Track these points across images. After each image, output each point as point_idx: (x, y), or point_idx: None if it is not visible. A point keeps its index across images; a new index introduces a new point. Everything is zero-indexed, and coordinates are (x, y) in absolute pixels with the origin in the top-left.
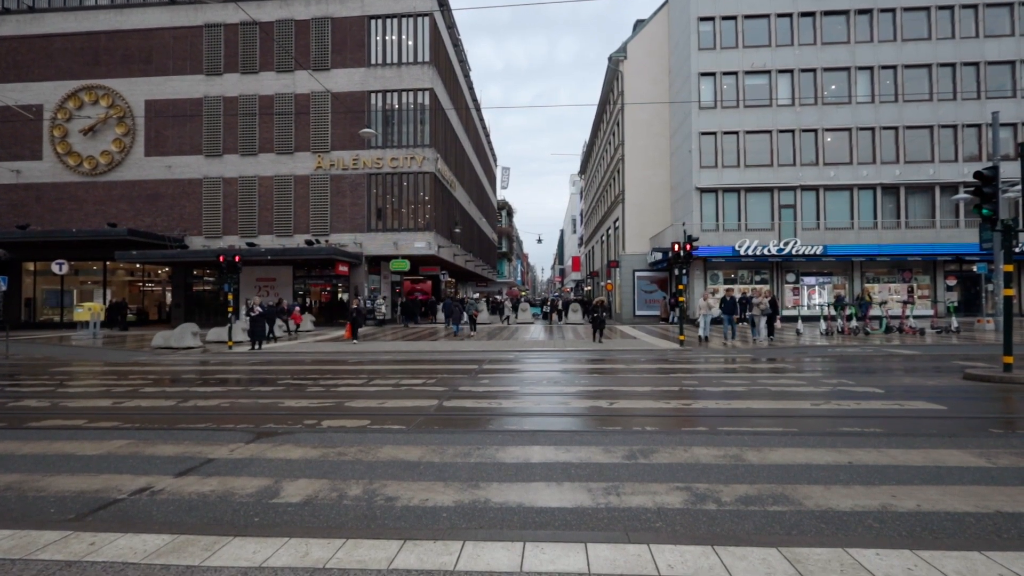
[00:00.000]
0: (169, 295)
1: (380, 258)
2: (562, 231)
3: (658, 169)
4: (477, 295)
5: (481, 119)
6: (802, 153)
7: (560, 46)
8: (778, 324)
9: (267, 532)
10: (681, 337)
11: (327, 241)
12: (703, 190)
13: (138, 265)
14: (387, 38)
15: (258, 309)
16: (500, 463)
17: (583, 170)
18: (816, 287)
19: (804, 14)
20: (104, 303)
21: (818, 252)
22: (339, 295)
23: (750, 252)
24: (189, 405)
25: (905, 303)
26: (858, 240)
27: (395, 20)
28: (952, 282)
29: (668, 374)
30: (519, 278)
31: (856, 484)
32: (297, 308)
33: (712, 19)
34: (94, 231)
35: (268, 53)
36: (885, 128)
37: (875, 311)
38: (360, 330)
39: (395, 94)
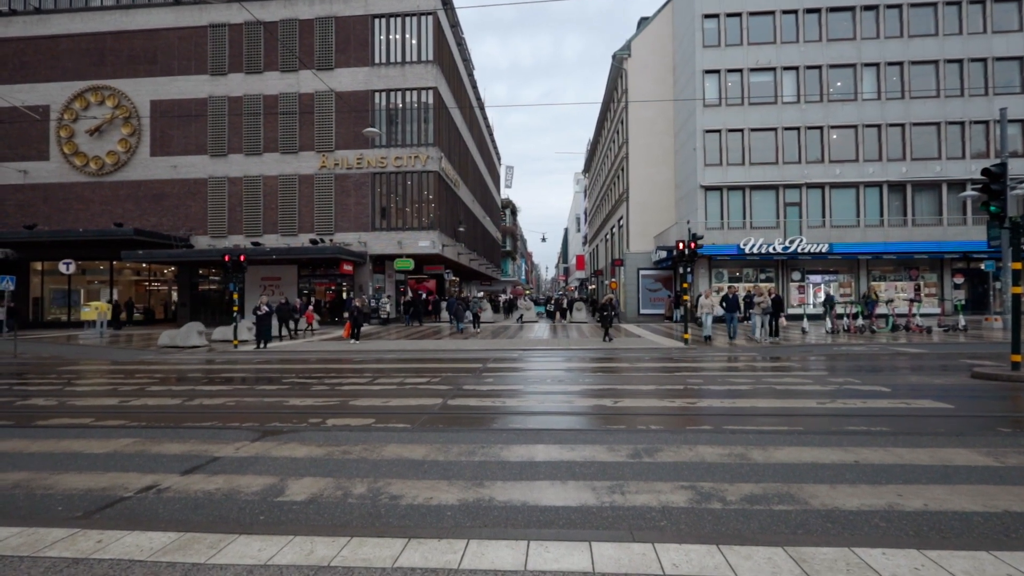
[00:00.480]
0: (175, 294)
1: (384, 257)
2: (566, 229)
3: (662, 167)
4: (481, 294)
5: (485, 117)
6: (807, 150)
7: (566, 44)
8: (783, 323)
9: (272, 530)
10: (686, 336)
11: (331, 240)
12: (707, 188)
13: (144, 265)
14: (391, 37)
15: (264, 308)
16: (504, 462)
17: (587, 168)
18: (822, 285)
19: (809, 10)
20: (110, 302)
21: (824, 250)
22: (344, 294)
23: (755, 250)
24: (195, 404)
25: (912, 301)
26: (864, 238)
27: (399, 19)
28: (959, 280)
29: (672, 373)
30: (523, 277)
31: (862, 483)
32: (311, 307)
33: (717, 16)
34: (100, 231)
35: (272, 53)
36: (891, 125)
37: (881, 309)
38: (363, 328)
39: (399, 93)
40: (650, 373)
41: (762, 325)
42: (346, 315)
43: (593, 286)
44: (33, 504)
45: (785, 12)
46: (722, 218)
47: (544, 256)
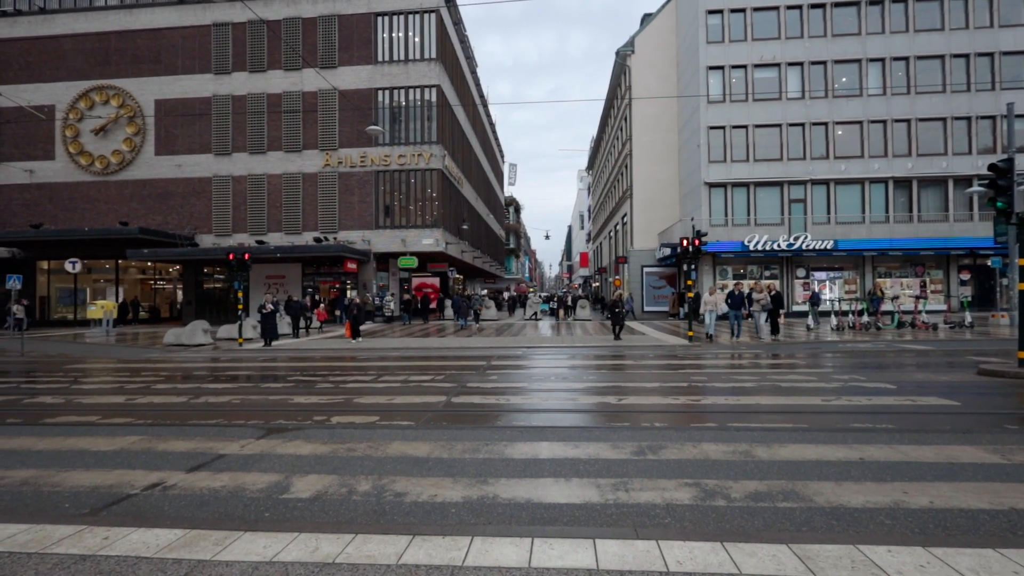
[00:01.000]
0: (180, 293)
1: (388, 255)
2: (569, 227)
3: (666, 164)
4: (485, 291)
5: (488, 115)
6: (812, 147)
7: (570, 41)
8: (781, 320)
9: (277, 527)
10: (690, 333)
11: (336, 238)
12: (712, 185)
13: (149, 263)
14: (394, 35)
15: (270, 307)
16: (508, 459)
17: (591, 166)
18: (827, 282)
19: (814, 6)
20: (116, 301)
21: (829, 247)
22: (347, 292)
23: (760, 247)
24: (200, 402)
25: (917, 298)
26: (870, 234)
27: (402, 17)
28: (966, 276)
29: (677, 370)
30: (527, 274)
31: (868, 480)
32: (322, 305)
33: (721, 12)
34: (106, 230)
35: (276, 51)
36: (897, 121)
37: (887, 306)
38: (367, 326)
39: (402, 91)
40: (654, 370)
41: (766, 321)
42: (338, 312)
43: (597, 283)
44: (41, 501)
45: (789, 7)
46: (726, 215)
47: (548, 254)
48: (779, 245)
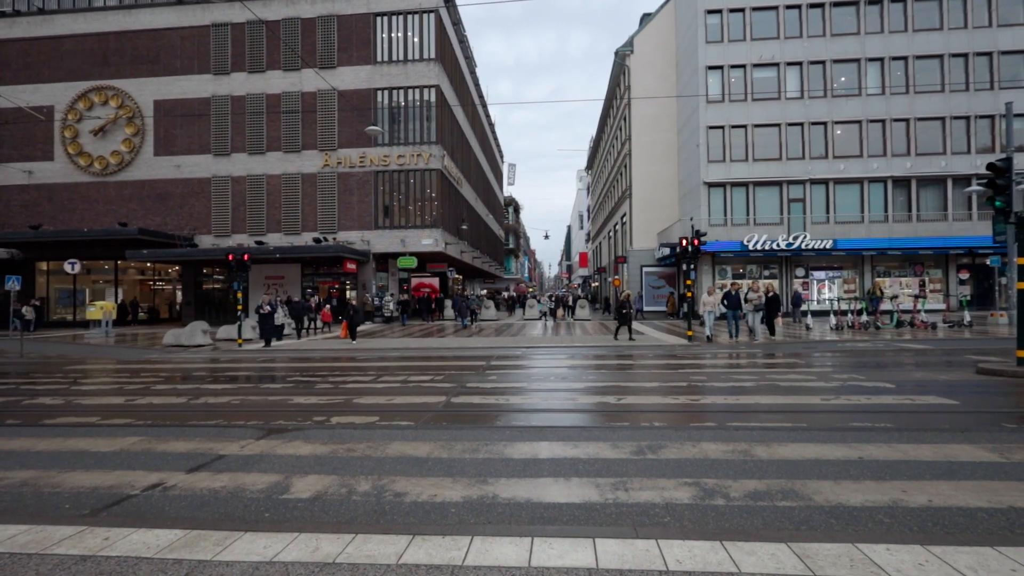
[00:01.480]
0: (179, 294)
1: (388, 255)
2: (569, 227)
3: (665, 164)
4: (484, 291)
5: (487, 115)
6: (811, 146)
7: (571, 41)
8: (779, 321)
9: (278, 527)
10: (689, 332)
11: (335, 239)
12: (711, 184)
13: (149, 264)
14: (393, 35)
15: (267, 307)
16: (508, 459)
17: (590, 165)
18: (826, 282)
19: (813, 5)
20: (116, 302)
21: (828, 246)
22: (347, 292)
23: (759, 247)
24: (200, 402)
25: (916, 297)
26: (869, 234)
27: (401, 17)
28: (965, 275)
29: (676, 370)
30: (526, 274)
31: (866, 479)
32: (328, 307)
33: (719, 12)
34: (105, 230)
35: (275, 52)
36: (896, 120)
37: (886, 305)
38: (367, 327)
39: (401, 91)
40: (653, 370)
41: (762, 321)
42: (350, 312)
43: (596, 283)
44: (41, 502)
45: (788, 7)
46: (725, 214)
47: (547, 253)
48: (778, 245)
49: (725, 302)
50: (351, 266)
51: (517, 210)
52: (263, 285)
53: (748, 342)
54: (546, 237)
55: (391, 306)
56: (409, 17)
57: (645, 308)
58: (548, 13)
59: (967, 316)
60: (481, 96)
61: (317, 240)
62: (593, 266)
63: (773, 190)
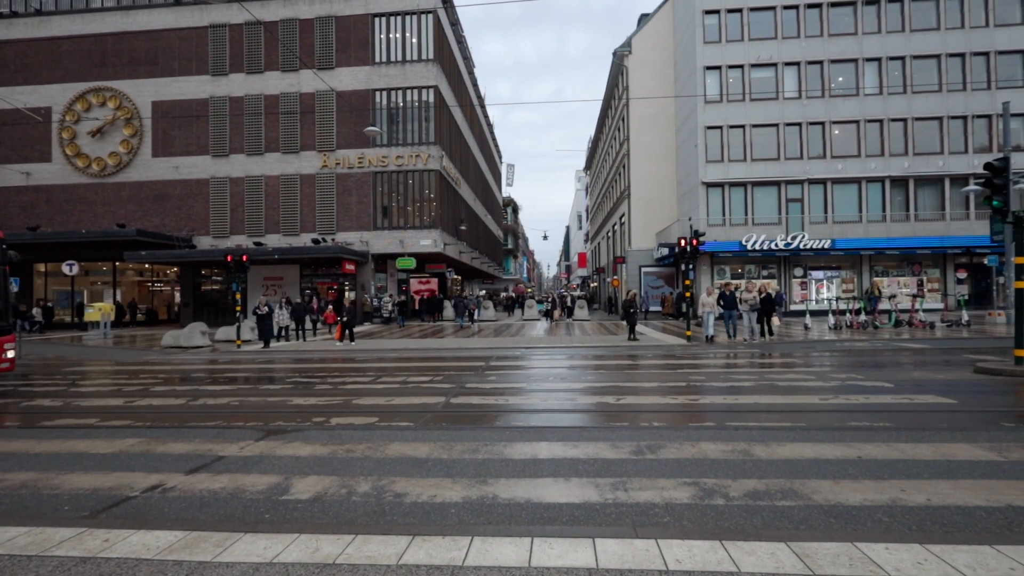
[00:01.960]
0: (178, 295)
1: (386, 256)
2: (568, 227)
3: (664, 164)
4: (484, 292)
5: (486, 115)
6: (809, 146)
7: (570, 41)
8: (776, 321)
9: (278, 528)
10: (688, 333)
11: (333, 240)
12: (709, 184)
13: (147, 265)
14: (391, 36)
15: (265, 308)
16: (508, 459)
17: (588, 166)
18: (824, 281)
19: (810, 5)
20: (114, 303)
21: (826, 246)
22: (346, 293)
23: (757, 247)
24: (199, 404)
25: (914, 296)
26: (867, 233)
27: (399, 18)
28: (962, 275)
29: (675, 370)
30: (525, 275)
31: (865, 478)
32: (331, 308)
33: (717, 12)
34: (103, 232)
35: (273, 53)
36: (894, 120)
37: (884, 305)
38: (364, 327)
39: (399, 92)
40: (652, 370)
41: (758, 321)
42: (345, 315)
43: (595, 283)
44: (40, 504)
45: (786, 7)
46: (724, 214)
47: (546, 254)
48: (776, 245)
49: (721, 303)
50: (350, 267)
51: (516, 210)
52: (262, 286)
53: (747, 342)
54: (545, 238)
55: (389, 307)
56: (407, 18)
57: (641, 309)
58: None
59: (965, 315)
60: (479, 96)
61: (316, 241)
62: (592, 266)
63: (771, 190)
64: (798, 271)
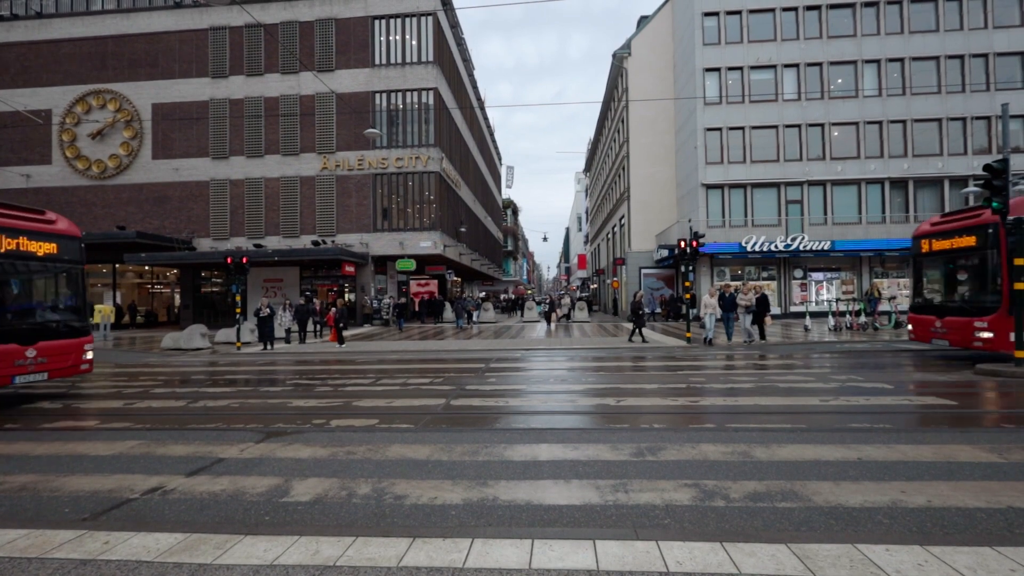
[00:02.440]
0: (178, 297)
1: (386, 258)
2: (567, 229)
3: (663, 166)
4: (483, 294)
5: (486, 118)
6: (809, 148)
7: (571, 43)
8: (768, 321)
9: (278, 531)
10: (688, 334)
11: (333, 242)
12: (709, 186)
13: (147, 267)
14: (391, 38)
15: (266, 310)
16: (508, 461)
17: (588, 168)
18: (824, 283)
19: (809, 7)
20: (113, 305)
21: (826, 247)
22: (346, 295)
23: (757, 248)
24: (199, 406)
25: None
26: (866, 235)
27: (399, 20)
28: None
29: (675, 371)
30: (525, 277)
31: (866, 480)
32: (333, 310)
33: (716, 14)
34: (103, 234)
35: (273, 55)
36: (893, 122)
37: (884, 306)
38: (363, 329)
39: (399, 94)
40: (652, 372)
41: (753, 323)
42: (340, 321)
43: (595, 285)
44: (40, 506)
45: (785, 9)
46: (724, 216)
47: (546, 256)
48: (776, 246)
49: (721, 304)
50: (350, 269)
51: (516, 212)
52: (261, 288)
53: (746, 344)
54: (544, 239)
55: (389, 309)
56: (407, 20)
57: (646, 310)
58: (548, 15)
59: None
60: (479, 98)
61: (316, 243)
62: (592, 268)
63: (771, 192)
64: (798, 272)
